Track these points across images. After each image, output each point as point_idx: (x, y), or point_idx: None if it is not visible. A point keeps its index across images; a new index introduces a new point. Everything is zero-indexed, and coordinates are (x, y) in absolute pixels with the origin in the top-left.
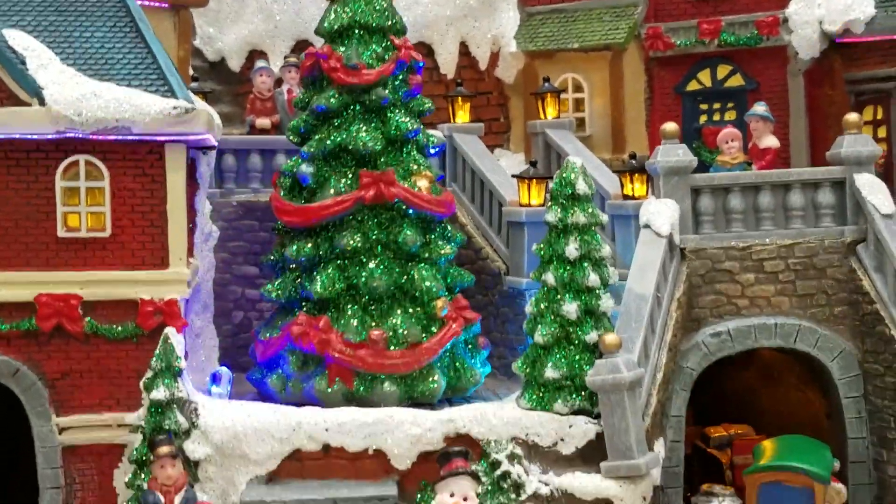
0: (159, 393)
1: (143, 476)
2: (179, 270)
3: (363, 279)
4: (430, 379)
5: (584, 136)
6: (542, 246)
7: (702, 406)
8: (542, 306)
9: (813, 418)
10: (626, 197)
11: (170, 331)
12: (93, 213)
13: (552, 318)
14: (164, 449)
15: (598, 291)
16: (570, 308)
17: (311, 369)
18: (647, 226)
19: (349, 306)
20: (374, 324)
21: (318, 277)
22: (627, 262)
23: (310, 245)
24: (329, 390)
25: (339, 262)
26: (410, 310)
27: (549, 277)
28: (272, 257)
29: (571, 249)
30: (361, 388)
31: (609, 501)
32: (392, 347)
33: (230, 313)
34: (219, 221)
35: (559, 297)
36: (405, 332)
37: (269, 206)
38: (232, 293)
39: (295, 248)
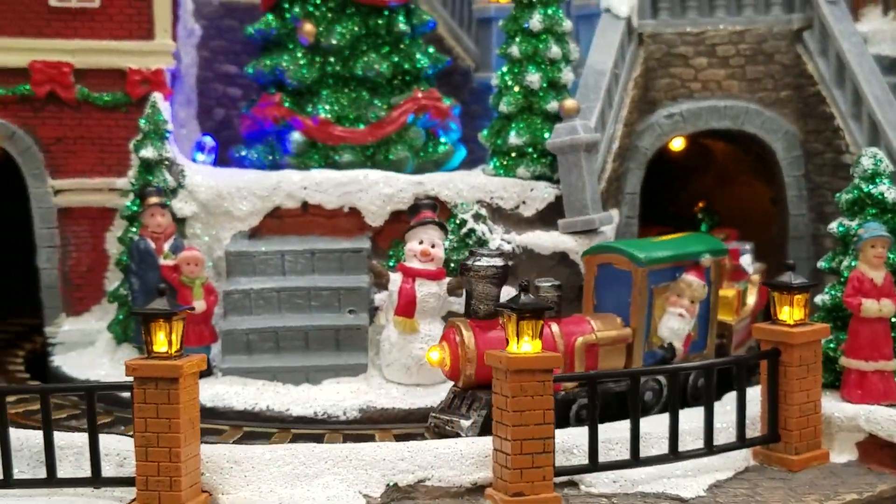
0: (148, 152)
1: (133, 230)
2: (165, 42)
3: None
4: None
5: None
6: (507, 21)
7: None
8: (507, 79)
9: (761, 207)
10: None
11: (157, 96)
12: None
13: (516, 88)
14: (153, 199)
15: (559, 64)
16: (534, 78)
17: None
18: (607, 10)
19: None
20: None
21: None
22: None
23: None
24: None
25: None
26: None
27: (514, 50)
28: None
29: (535, 22)
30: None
31: (565, 254)
32: None
33: (212, 111)
34: (200, 20)
35: (523, 68)
36: None
37: (250, 6)
38: (213, 91)
39: None
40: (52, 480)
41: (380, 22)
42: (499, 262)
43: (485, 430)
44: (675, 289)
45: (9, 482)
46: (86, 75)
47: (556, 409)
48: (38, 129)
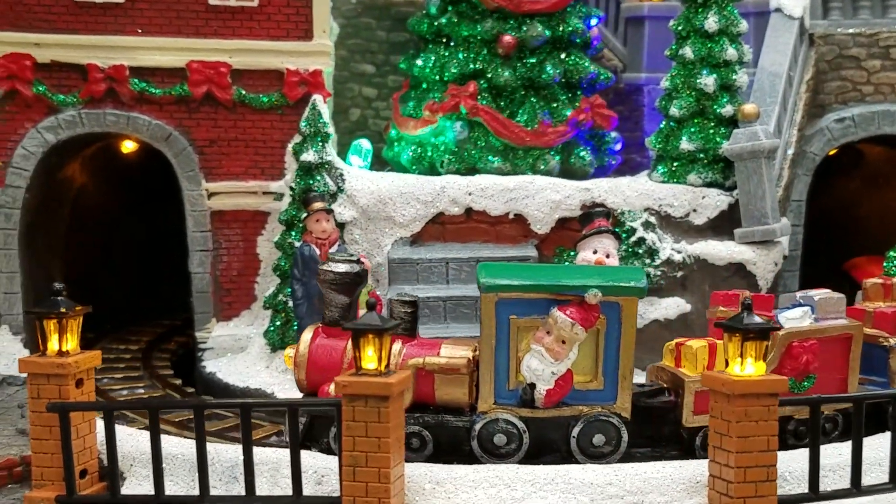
0: (309, 156)
1: (291, 235)
2: (323, 42)
3: None
4: None
5: None
6: (678, 21)
7: None
8: (679, 81)
9: None
10: None
11: (317, 98)
12: None
13: (688, 91)
14: (318, 204)
15: (734, 66)
16: (708, 81)
17: None
18: (777, 10)
19: None
20: None
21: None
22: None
23: None
24: None
25: None
26: None
27: (687, 51)
28: None
29: (711, 23)
30: None
31: (742, 266)
32: None
33: (347, 111)
34: (338, 19)
35: (696, 70)
36: None
37: (388, 4)
38: (349, 91)
39: None
40: (251, 498)
41: None
42: (340, 267)
43: (304, 438)
44: (545, 325)
45: (205, 498)
46: (242, 76)
47: None
48: (193, 130)
